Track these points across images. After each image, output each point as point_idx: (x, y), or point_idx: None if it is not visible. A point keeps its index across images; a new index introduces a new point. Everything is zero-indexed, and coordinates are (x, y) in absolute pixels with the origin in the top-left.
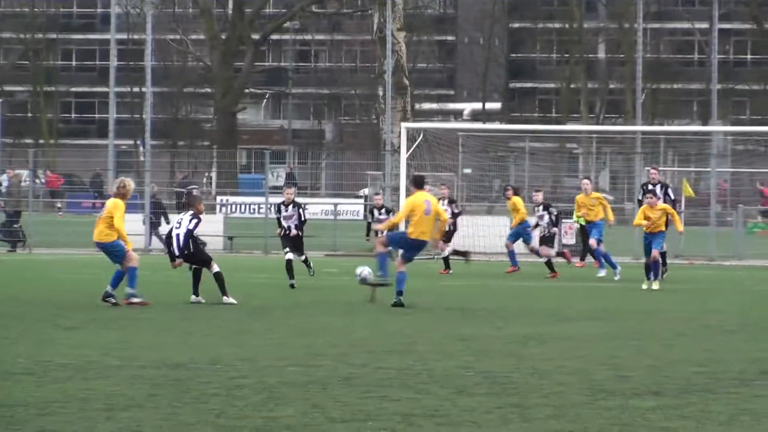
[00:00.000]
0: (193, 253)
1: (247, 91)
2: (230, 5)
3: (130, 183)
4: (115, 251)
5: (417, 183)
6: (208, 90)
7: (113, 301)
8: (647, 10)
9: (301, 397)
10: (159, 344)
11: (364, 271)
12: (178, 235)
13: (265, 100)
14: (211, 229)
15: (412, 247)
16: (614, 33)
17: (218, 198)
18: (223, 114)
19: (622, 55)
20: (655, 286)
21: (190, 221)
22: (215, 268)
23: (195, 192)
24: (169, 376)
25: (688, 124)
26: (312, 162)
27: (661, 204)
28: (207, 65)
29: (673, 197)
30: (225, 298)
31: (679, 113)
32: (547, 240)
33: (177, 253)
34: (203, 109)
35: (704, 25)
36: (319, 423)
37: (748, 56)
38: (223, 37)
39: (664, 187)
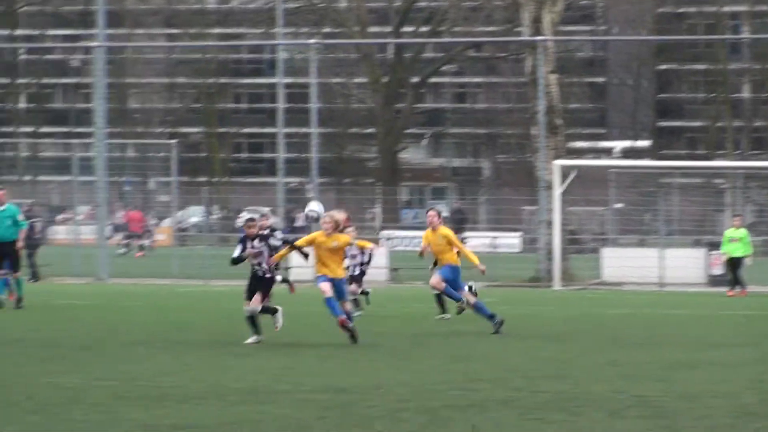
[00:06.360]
0: None
1: (407, 131)
2: (391, 51)
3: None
4: None
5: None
6: (371, 130)
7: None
8: None
9: (462, 418)
10: (324, 370)
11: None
12: None
13: (425, 140)
14: (377, 261)
15: None
16: (758, 73)
17: (382, 232)
18: (386, 153)
19: (766, 94)
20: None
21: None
22: None
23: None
24: (335, 399)
25: None
26: (470, 198)
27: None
28: (369, 107)
29: None
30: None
31: None
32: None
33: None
34: (366, 149)
35: None
36: None
37: None
38: (385, 80)
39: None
